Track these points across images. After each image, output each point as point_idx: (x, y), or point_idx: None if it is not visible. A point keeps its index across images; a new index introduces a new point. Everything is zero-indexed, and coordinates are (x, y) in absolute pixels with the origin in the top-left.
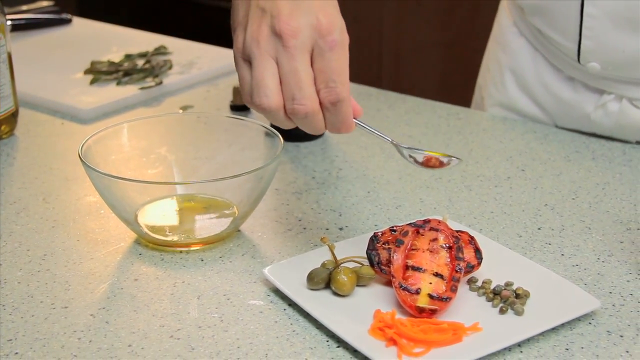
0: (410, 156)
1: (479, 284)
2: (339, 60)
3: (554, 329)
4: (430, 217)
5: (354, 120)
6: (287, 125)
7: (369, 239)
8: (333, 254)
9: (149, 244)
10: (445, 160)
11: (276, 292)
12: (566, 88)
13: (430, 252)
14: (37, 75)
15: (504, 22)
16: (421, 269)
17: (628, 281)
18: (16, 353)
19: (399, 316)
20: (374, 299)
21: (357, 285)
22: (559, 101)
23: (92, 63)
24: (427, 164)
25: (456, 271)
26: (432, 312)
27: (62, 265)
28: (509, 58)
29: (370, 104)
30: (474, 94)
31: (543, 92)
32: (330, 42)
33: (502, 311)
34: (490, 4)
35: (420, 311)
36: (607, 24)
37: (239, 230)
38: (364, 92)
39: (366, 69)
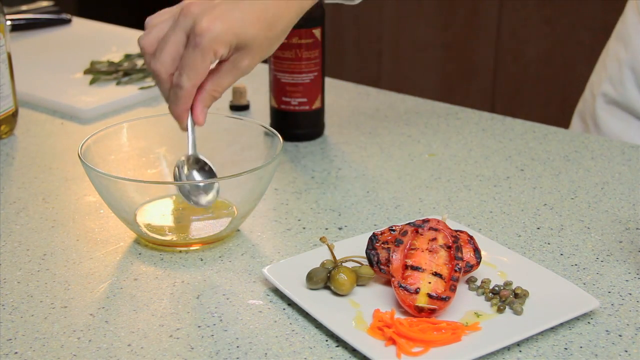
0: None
1: (478, 283)
2: (195, 58)
3: (552, 329)
4: (430, 217)
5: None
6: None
7: (368, 238)
8: (332, 253)
9: (149, 244)
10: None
11: (275, 292)
12: None
13: (430, 251)
14: (37, 75)
15: (630, 20)
16: (420, 268)
17: (627, 281)
18: (16, 352)
19: (398, 316)
20: (373, 299)
21: (357, 285)
22: None
23: (92, 63)
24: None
25: (455, 271)
26: (431, 311)
27: (62, 265)
28: (630, 56)
29: (370, 104)
30: (584, 91)
31: None
32: (195, 42)
33: (499, 310)
34: (490, 4)
35: (420, 310)
36: None
37: (238, 230)
38: (363, 92)
39: (366, 68)
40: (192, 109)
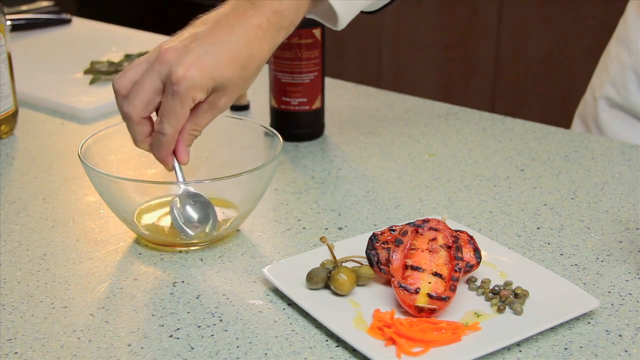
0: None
1: (478, 283)
2: (174, 106)
3: (553, 329)
4: (430, 217)
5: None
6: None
7: (368, 238)
8: (332, 253)
9: (149, 244)
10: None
11: (275, 292)
12: None
13: (430, 251)
14: (37, 75)
15: (631, 22)
16: (420, 268)
17: (627, 281)
18: (16, 352)
19: (398, 316)
20: (373, 299)
21: (357, 285)
22: None
23: (92, 63)
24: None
25: (455, 271)
26: (431, 311)
27: (62, 265)
28: (633, 59)
29: (370, 104)
30: (585, 94)
31: None
32: (173, 90)
33: (499, 310)
34: (490, 4)
35: (420, 310)
36: None
37: (238, 230)
38: (363, 92)
39: (366, 68)
40: (174, 149)
